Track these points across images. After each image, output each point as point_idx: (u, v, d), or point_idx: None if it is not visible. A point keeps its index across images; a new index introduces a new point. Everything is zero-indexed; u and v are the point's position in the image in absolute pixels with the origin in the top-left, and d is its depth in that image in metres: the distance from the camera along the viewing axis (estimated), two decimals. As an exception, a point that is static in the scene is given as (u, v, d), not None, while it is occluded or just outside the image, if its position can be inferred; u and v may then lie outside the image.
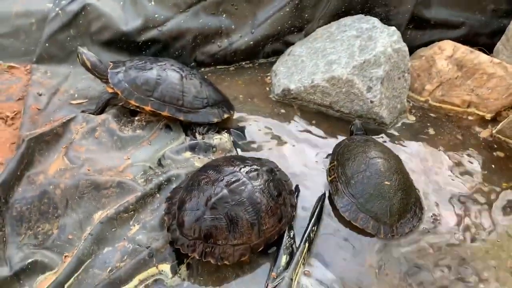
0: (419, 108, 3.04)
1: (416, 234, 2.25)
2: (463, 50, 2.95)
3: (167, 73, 2.57)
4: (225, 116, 2.69)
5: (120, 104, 2.60)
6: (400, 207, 2.26)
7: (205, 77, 2.90)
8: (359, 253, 2.15)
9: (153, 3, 2.99)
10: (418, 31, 3.28)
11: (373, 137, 2.72)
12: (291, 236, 2.16)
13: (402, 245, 2.19)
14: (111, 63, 2.60)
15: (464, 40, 3.16)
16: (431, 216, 2.34)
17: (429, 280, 2.06)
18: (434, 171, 2.60)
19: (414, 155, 2.69)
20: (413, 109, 3.03)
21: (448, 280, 2.06)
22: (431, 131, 2.87)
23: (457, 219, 2.34)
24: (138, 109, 2.57)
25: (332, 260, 2.10)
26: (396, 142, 2.77)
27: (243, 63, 3.29)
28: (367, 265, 2.10)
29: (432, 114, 2.99)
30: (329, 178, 2.43)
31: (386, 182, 2.27)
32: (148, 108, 2.49)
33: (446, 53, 2.99)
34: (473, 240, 2.25)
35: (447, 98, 3.00)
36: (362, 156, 2.37)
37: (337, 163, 2.43)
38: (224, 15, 3.11)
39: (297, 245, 2.10)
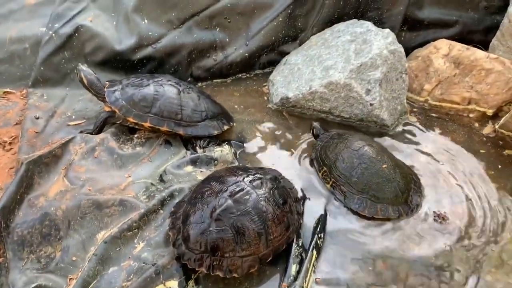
0: (420, 109, 3.01)
1: (426, 238, 2.21)
2: (459, 48, 2.95)
3: (164, 88, 2.55)
4: (225, 128, 2.67)
5: (119, 122, 2.58)
6: (405, 181, 2.33)
7: (203, 91, 2.89)
8: (370, 254, 2.10)
9: (146, 21, 3.00)
10: (412, 32, 3.28)
11: (376, 140, 2.70)
12: (300, 244, 2.11)
13: (415, 247, 2.15)
14: (108, 82, 2.59)
15: (458, 38, 3.15)
16: (437, 216, 2.29)
17: (445, 281, 2.01)
18: (439, 172, 2.55)
19: (418, 156, 2.65)
20: (414, 109, 3.00)
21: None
22: (433, 130, 2.83)
23: (464, 221, 2.28)
24: (137, 126, 2.55)
25: (343, 264, 2.05)
26: (399, 144, 2.73)
27: (240, 75, 3.28)
28: (379, 267, 2.04)
29: (433, 114, 2.96)
30: (328, 185, 2.41)
31: (384, 166, 2.31)
32: (147, 124, 2.47)
33: (442, 51, 2.98)
34: (486, 243, 2.19)
35: (446, 96, 2.98)
36: (348, 151, 2.38)
37: (327, 168, 2.42)
38: (217, 29, 3.11)
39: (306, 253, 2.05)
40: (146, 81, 2.58)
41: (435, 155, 2.65)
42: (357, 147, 2.38)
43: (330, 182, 2.39)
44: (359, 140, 2.43)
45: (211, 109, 2.66)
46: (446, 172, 2.54)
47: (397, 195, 2.27)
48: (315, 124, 2.70)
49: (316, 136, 2.70)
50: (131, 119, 2.47)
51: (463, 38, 3.21)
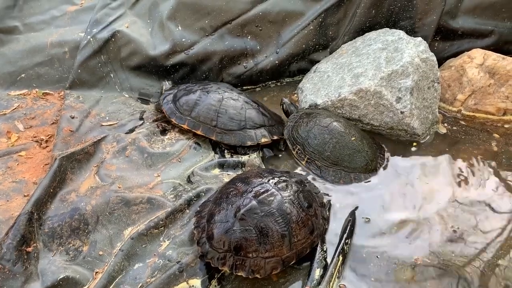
0: (452, 119, 2.94)
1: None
2: (494, 57, 2.88)
3: (208, 95, 2.67)
4: (263, 140, 2.64)
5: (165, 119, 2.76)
6: (372, 151, 2.57)
7: (257, 100, 2.89)
8: (395, 261, 2.06)
9: (180, 28, 3.08)
10: (446, 42, 3.23)
11: (406, 151, 2.66)
12: (324, 249, 2.09)
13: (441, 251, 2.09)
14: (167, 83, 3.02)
15: (494, 48, 3.09)
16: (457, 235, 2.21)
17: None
18: (470, 185, 2.47)
19: (449, 167, 2.58)
20: (446, 119, 2.93)
21: None
22: (466, 141, 2.75)
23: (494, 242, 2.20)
24: (182, 128, 2.69)
25: (368, 271, 2.01)
26: (429, 154, 2.67)
27: (269, 82, 3.31)
28: (405, 275, 1.99)
29: (465, 124, 2.89)
30: (303, 162, 2.57)
31: (352, 138, 2.52)
32: (185, 126, 2.62)
33: (476, 61, 2.91)
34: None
35: (480, 106, 2.90)
36: (318, 127, 2.56)
37: (300, 145, 2.58)
38: (249, 37, 3.15)
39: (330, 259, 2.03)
40: (197, 87, 2.77)
41: (465, 166, 2.57)
42: (326, 123, 2.55)
43: (305, 159, 2.54)
44: (327, 117, 2.60)
45: (252, 119, 2.67)
46: (477, 185, 2.46)
47: (367, 163, 2.50)
48: (285, 100, 2.84)
49: (286, 112, 2.86)
50: (173, 121, 2.65)
51: (499, 48, 3.14)
